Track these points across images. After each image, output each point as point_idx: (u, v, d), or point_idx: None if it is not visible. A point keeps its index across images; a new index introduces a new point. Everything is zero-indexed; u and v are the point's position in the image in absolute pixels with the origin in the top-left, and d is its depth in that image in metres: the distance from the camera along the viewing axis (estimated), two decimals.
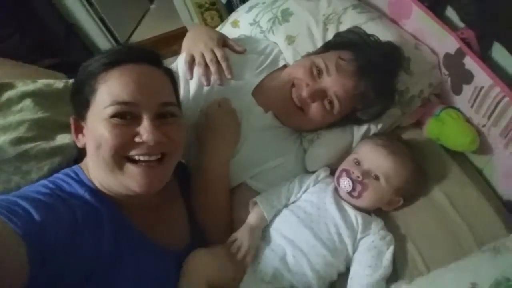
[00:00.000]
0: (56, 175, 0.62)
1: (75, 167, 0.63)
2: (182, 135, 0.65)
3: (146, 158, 0.57)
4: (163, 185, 0.62)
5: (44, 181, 0.59)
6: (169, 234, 0.67)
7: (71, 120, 0.62)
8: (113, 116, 0.55)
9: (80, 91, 0.59)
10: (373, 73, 0.74)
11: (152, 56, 0.64)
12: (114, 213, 0.59)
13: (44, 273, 0.45)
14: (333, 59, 0.77)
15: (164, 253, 0.63)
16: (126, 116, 0.56)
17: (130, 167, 0.57)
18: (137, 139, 0.56)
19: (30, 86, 0.78)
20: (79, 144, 0.62)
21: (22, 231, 0.44)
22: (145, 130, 0.56)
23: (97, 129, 0.56)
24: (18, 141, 0.69)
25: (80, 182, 0.59)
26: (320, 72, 0.77)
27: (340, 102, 0.76)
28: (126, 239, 0.58)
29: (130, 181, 0.57)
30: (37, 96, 0.77)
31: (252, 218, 0.71)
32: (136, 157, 0.57)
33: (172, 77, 0.67)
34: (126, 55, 0.61)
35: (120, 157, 0.56)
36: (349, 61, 0.76)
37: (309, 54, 0.88)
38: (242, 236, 0.67)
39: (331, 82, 0.76)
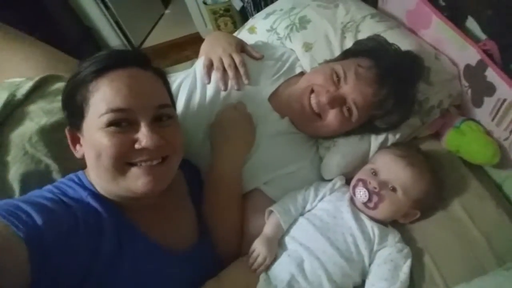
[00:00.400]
0: (60, 180, 0.62)
1: (79, 173, 0.63)
2: (179, 136, 0.64)
3: (148, 163, 0.57)
4: (165, 185, 0.61)
5: (49, 186, 0.59)
6: (174, 234, 0.66)
7: (66, 132, 0.61)
8: (109, 124, 0.55)
9: (73, 101, 0.58)
10: (392, 81, 0.74)
11: (140, 58, 0.62)
12: (116, 215, 0.59)
13: (44, 274, 0.46)
14: (352, 67, 0.76)
15: (168, 254, 0.63)
16: (122, 123, 0.55)
17: (132, 170, 0.57)
18: (137, 146, 0.56)
19: None
20: (78, 155, 0.61)
21: (24, 235, 0.45)
22: (144, 136, 0.55)
23: (95, 139, 0.55)
24: (58, 125, 0.70)
25: (83, 186, 0.60)
26: (339, 79, 0.77)
27: (359, 109, 0.75)
28: (128, 241, 0.57)
29: (133, 182, 0.57)
30: None
31: (268, 228, 0.70)
32: (138, 164, 0.57)
33: (163, 77, 0.66)
34: (113, 60, 0.59)
35: (122, 164, 0.56)
36: (368, 68, 0.75)
37: (327, 62, 0.88)
38: (259, 246, 0.66)
39: (350, 90, 0.75)
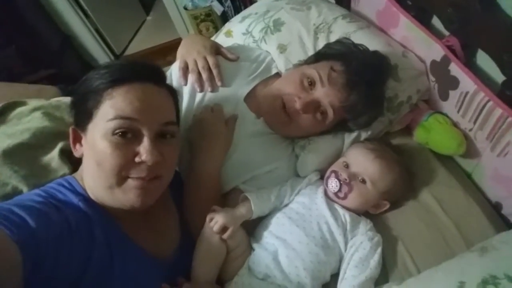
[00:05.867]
0: (48, 184, 0.62)
1: (68, 177, 0.64)
2: (176, 156, 0.67)
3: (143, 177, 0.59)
4: (153, 201, 0.63)
5: (37, 190, 0.60)
6: (158, 241, 0.68)
7: (70, 131, 0.63)
8: (115, 131, 0.56)
9: (83, 103, 0.60)
10: (363, 86, 0.76)
11: (157, 74, 0.65)
12: (107, 221, 0.59)
13: (38, 278, 0.46)
14: (325, 70, 0.78)
15: (152, 261, 0.64)
16: (127, 133, 0.57)
17: (128, 181, 0.58)
18: (137, 159, 0.57)
19: (42, 102, 0.81)
20: (77, 154, 0.63)
21: (17, 237, 0.45)
22: (145, 150, 0.57)
23: (98, 145, 0.56)
24: (22, 146, 0.70)
25: (74, 191, 0.60)
26: (312, 83, 0.78)
27: (334, 112, 0.78)
28: (118, 247, 0.58)
29: (125, 194, 0.58)
30: (47, 109, 0.79)
31: (237, 208, 0.71)
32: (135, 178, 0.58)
33: (174, 94, 0.69)
34: (132, 73, 0.61)
35: (121, 177, 0.57)
36: (340, 73, 0.77)
37: (300, 64, 0.90)
38: (218, 214, 0.67)
39: (325, 93, 0.77)
